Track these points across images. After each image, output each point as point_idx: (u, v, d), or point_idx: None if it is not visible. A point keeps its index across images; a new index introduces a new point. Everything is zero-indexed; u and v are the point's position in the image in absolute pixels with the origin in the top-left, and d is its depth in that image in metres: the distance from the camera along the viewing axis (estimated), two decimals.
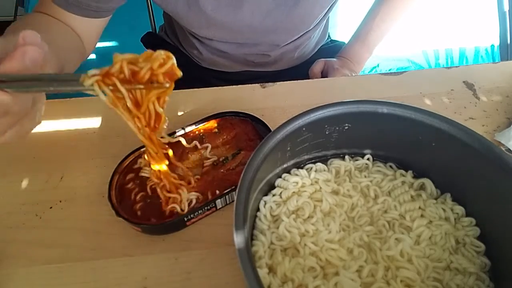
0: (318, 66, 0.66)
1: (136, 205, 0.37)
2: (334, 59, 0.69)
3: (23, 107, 0.29)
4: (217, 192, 0.37)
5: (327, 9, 0.62)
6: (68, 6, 0.47)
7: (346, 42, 0.71)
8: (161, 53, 0.26)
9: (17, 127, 0.31)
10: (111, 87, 0.26)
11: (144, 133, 0.30)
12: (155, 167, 0.33)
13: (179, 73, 0.27)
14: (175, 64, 0.26)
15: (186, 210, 0.35)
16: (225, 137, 0.43)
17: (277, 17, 0.56)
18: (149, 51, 0.26)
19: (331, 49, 0.74)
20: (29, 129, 0.32)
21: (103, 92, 0.26)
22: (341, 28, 1.05)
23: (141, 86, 0.27)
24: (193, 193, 0.37)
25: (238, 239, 0.24)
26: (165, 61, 0.25)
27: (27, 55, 0.28)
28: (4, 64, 0.27)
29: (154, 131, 0.30)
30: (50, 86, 0.28)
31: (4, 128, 0.30)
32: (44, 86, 0.28)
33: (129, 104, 0.27)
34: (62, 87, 0.27)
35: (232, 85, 0.52)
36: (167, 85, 0.26)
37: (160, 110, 0.28)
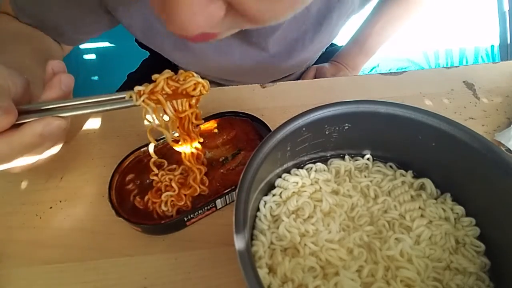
0: (310, 75, 0.65)
1: (136, 205, 0.37)
2: (327, 65, 0.67)
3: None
4: (217, 192, 0.37)
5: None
6: (44, 30, 0.47)
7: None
8: (194, 78, 0.31)
9: (51, 150, 0.34)
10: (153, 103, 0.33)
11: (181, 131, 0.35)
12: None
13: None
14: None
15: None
16: (225, 137, 0.43)
17: (271, 65, 0.55)
18: (185, 72, 0.32)
19: (330, 53, 0.72)
20: (60, 146, 0.36)
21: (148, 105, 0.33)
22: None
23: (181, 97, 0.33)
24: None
25: (238, 239, 0.24)
26: (196, 86, 0.32)
27: (63, 83, 0.31)
28: (45, 94, 0.31)
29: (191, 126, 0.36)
30: (99, 107, 0.32)
31: (46, 149, 0.33)
32: (94, 107, 0.32)
33: (168, 112, 0.34)
34: (109, 106, 0.32)
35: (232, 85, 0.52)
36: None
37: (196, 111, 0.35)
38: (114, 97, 0.32)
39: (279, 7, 0.21)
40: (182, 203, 0.36)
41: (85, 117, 0.48)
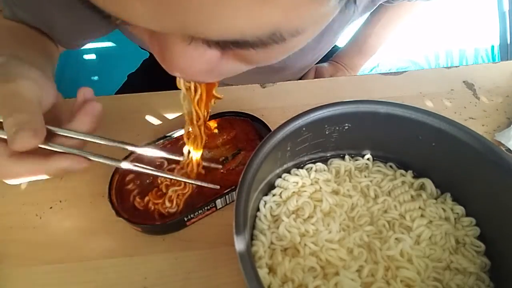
0: (309, 75, 0.64)
1: (136, 205, 0.37)
2: (326, 65, 0.67)
3: None
4: (217, 192, 0.37)
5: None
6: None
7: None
8: None
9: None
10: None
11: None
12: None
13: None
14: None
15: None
16: (225, 137, 0.43)
17: (271, 72, 0.55)
18: None
19: (330, 53, 0.72)
20: None
21: None
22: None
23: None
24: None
25: (238, 239, 0.24)
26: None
27: (95, 109, 0.31)
28: (78, 120, 0.31)
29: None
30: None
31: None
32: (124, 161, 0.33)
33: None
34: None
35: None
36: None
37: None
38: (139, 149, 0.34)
39: (274, 55, 0.22)
40: (186, 191, 0.36)
41: None
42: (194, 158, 0.37)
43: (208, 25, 0.16)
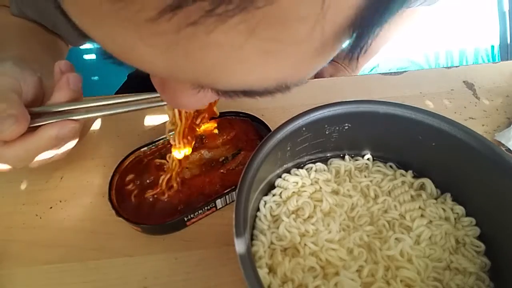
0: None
1: (136, 205, 0.37)
2: (326, 65, 0.67)
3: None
4: (217, 192, 0.37)
5: None
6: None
7: None
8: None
9: (65, 148, 0.35)
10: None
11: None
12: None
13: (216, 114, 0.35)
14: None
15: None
16: (225, 137, 0.43)
17: None
18: None
19: None
20: (72, 145, 0.36)
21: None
22: None
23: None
24: None
25: (238, 239, 0.24)
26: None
27: (70, 83, 0.32)
28: (55, 96, 0.32)
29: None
30: (112, 110, 0.32)
31: (59, 149, 0.34)
32: (106, 110, 0.32)
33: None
34: (121, 109, 0.32)
35: None
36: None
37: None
38: (124, 100, 0.33)
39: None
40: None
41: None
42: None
43: (219, 80, 0.17)
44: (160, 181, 0.37)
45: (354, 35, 0.16)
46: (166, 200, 0.37)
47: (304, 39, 0.15)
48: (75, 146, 0.44)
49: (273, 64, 0.16)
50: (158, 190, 0.37)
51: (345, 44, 0.18)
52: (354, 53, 0.18)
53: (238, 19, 0.13)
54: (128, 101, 0.33)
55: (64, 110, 0.32)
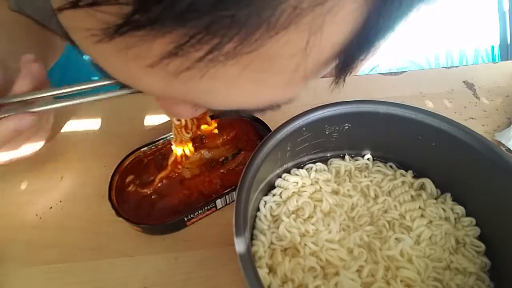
0: None
1: (136, 205, 0.37)
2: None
3: (40, 122, 0.33)
4: (217, 192, 0.37)
5: None
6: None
7: None
8: None
9: (32, 141, 0.34)
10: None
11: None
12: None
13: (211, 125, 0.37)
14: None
15: None
16: (225, 137, 0.43)
17: None
18: None
19: None
20: (43, 142, 0.36)
21: None
22: None
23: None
24: None
25: (238, 239, 0.24)
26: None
27: (32, 70, 0.31)
28: (16, 85, 0.31)
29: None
30: (75, 100, 0.30)
31: (21, 143, 0.33)
32: (68, 100, 0.31)
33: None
34: (88, 98, 0.30)
35: None
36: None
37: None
38: (95, 84, 0.30)
39: None
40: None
41: (86, 117, 0.48)
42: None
43: (213, 103, 0.18)
44: (156, 179, 0.37)
45: (341, 61, 0.18)
46: (166, 200, 0.37)
47: (291, 72, 0.16)
48: (75, 146, 0.44)
49: (265, 90, 0.17)
50: (154, 186, 0.38)
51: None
52: (340, 76, 0.20)
53: (231, 62, 0.14)
54: (92, 86, 0.30)
55: (26, 100, 0.31)
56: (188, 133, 0.35)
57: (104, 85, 0.29)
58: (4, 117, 0.30)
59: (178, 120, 0.34)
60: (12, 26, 0.45)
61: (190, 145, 0.37)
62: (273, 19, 0.13)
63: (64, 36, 0.17)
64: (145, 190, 0.38)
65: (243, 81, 0.16)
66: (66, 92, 0.30)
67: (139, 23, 0.13)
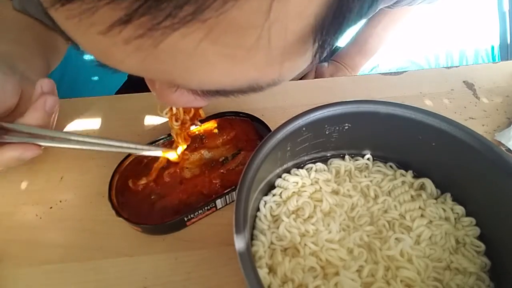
0: (310, 75, 0.65)
1: (136, 205, 0.37)
2: (326, 65, 0.67)
3: None
4: (217, 192, 0.37)
5: None
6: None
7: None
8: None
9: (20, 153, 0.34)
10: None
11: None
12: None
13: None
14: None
15: None
16: (225, 137, 0.43)
17: None
18: None
19: (331, 53, 0.72)
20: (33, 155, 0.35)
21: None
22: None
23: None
24: None
25: (238, 239, 0.24)
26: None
27: (47, 104, 0.32)
28: (28, 116, 0.32)
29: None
30: (80, 145, 0.33)
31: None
32: (73, 144, 0.33)
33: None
34: (91, 147, 0.33)
35: None
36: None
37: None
38: (103, 142, 0.33)
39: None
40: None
41: (86, 117, 0.48)
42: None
43: (190, 81, 0.18)
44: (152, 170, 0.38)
45: (317, 40, 0.17)
46: (166, 200, 0.37)
47: (254, 47, 0.16)
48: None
49: (237, 67, 0.17)
50: (150, 178, 0.38)
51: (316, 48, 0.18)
52: (320, 56, 0.19)
53: (188, 30, 0.14)
54: (100, 143, 0.33)
55: (32, 133, 0.32)
56: (177, 121, 0.36)
57: (116, 146, 0.32)
58: (11, 143, 0.31)
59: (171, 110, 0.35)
60: (17, 27, 0.45)
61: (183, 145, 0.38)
62: None
63: (62, 33, 0.17)
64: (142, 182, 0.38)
65: (215, 58, 0.16)
66: (75, 141, 0.32)
67: None
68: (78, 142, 0.32)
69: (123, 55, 0.16)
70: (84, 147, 0.32)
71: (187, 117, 0.37)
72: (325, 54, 0.19)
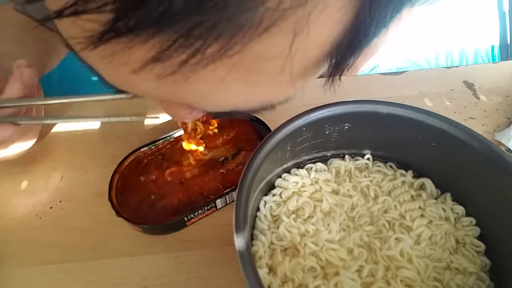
0: None
1: (136, 205, 0.37)
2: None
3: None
4: (217, 192, 0.37)
5: None
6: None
7: None
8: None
9: (20, 142, 0.35)
10: None
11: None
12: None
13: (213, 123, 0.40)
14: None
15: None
16: (225, 137, 0.43)
17: None
18: None
19: None
20: (31, 143, 0.36)
21: None
22: None
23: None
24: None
25: (238, 239, 0.24)
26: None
27: (24, 75, 0.32)
28: (7, 89, 0.31)
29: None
30: (59, 119, 0.31)
31: (8, 145, 0.33)
32: (57, 118, 0.31)
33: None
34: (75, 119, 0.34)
35: None
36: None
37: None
38: (82, 99, 0.31)
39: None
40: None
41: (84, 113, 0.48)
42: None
43: (208, 105, 0.19)
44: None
45: (333, 61, 0.18)
46: (166, 200, 0.37)
47: (277, 74, 0.16)
48: (75, 146, 0.44)
49: (254, 91, 0.18)
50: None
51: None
52: (333, 76, 0.19)
53: (215, 65, 0.14)
54: (79, 100, 0.31)
55: (15, 106, 0.31)
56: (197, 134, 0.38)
57: (96, 100, 0.30)
58: None
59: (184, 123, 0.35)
60: (14, 27, 0.45)
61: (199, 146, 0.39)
62: (253, 22, 0.13)
63: (63, 40, 0.18)
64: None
65: (231, 83, 0.16)
66: (55, 103, 0.31)
67: (120, 30, 0.13)
68: (54, 117, 0.32)
69: (142, 84, 0.16)
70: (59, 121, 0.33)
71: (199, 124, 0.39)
72: (341, 71, 0.19)
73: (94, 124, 0.47)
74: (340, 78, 0.20)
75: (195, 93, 0.17)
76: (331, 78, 0.20)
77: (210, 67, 0.14)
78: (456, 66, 0.55)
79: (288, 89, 0.19)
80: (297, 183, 0.35)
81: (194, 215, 0.36)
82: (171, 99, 0.19)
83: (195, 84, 0.16)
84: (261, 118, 0.43)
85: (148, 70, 0.14)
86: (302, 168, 0.36)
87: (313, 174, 0.36)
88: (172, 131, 0.41)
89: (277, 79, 0.17)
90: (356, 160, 0.37)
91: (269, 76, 0.17)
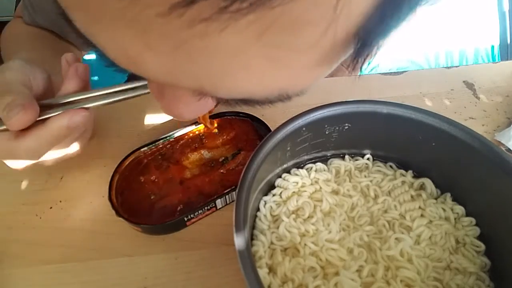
0: None
1: (136, 205, 0.37)
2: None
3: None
4: (217, 192, 0.37)
5: None
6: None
7: None
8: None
9: (80, 139, 0.35)
10: None
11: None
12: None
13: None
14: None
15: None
16: (225, 137, 0.43)
17: None
18: None
19: None
20: (86, 140, 0.37)
21: None
22: None
23: None
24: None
25: (238, 239, 0.24)
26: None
27: (79, 70, 0.32)
28: (64, 86, 0.32)
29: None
30: (119, 95, 0.33)
31: (70, 142, 0.34)
32: (113, 97, 0.33)
33: None
34: (129, 94, 0.33)
35: None
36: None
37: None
38: (131, 86, 0.33)
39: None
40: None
41: None
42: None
43: (221, 87, 0.17)
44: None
45: (359, 44, 0.16)
46: (166, 200, 0.37)
47: (314, 44, 0.15)
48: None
49: (276, 72, 0.16)
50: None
51: (348, 53, 0.18)
52: (358, 61, 0.18)
53: (250, 19, 0.13)
54: (131, 87, 0.33)
55: (74, 101, 0.32)
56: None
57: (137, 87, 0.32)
58: (56, 114, 0.30)
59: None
60: (31, 38, 0.46)
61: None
62: None
63: (81, 43, 0.17)
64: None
65: (254, 58, 0.15)
66: (110, 93, 0.33)
67: None
68: (114, 94, 0.33)
69: (157, 59, 0.15)
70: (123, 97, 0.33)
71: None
72: (363, 59, 0.18)
73: (94, 124, 0.47)
74: (361, 68, 0.19)
75: (211, 71, 0.15)
76: (354, 63, 0.18)
77: (246, 20, 0.13)
78: (456, 66, 0.55)
79: (310, 75, 0.18)
80: (297, 183, 0.35)
81: (194, 215, 0.36)
82: (179, 81, 0.17)
83: (214, 54, 0.14)
84: (261, 118, 0.43)
85: (176, 15, 0.12)
86: (302, 168, 0.36)
87: (313, 174, 0.36)
88: (172, 131, 0.41)
89: (304, 59, 0.16)
90: (356, 160, 0.37)
91: (299, 50, 0.15)
